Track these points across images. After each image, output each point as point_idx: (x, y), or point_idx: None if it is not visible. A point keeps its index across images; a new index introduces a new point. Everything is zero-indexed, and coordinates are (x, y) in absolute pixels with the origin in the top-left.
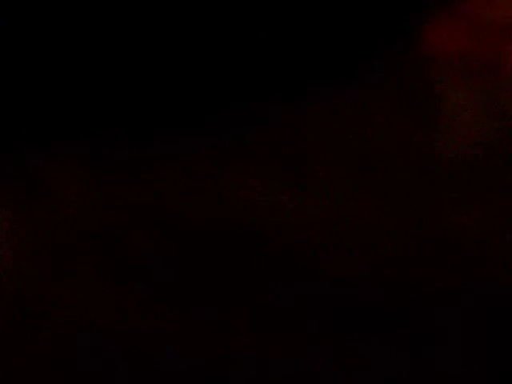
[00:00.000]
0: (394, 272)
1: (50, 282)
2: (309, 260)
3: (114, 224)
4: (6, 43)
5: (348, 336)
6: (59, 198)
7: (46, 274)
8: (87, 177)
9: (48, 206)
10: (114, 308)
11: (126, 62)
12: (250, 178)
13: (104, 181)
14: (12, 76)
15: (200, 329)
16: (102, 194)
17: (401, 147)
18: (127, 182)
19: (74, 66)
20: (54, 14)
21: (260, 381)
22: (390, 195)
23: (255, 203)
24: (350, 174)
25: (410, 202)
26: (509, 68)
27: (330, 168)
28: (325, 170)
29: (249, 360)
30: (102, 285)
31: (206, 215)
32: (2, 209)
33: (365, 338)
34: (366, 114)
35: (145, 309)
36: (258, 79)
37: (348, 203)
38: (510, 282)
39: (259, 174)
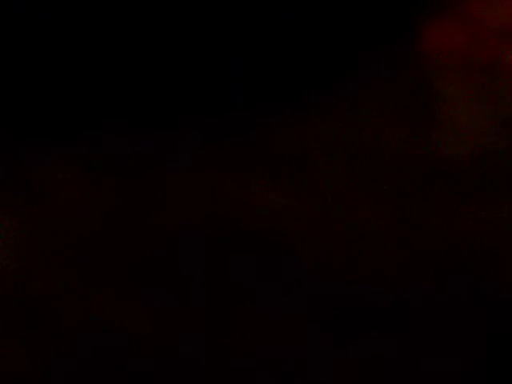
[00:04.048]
0: (395, 272)
1: (47, 282)
2: (310, 260)
3: (114, 226)
4: (5, 43)
5: (348, 336)
6: (58, 199)
7: (44, 274)
8: (87, 177)
9: (47, 207)
10: (113, 309)
11: (127, 65)
12: (252, 181)
13: (104, 182)
14: (11, 76)
15: (200, 328)
16: (101, 195)
17: (401, 147)
18: (128, 184)
19: (74, 66)
20: (53, 12)
21: (259, 379)
22: (390, 195)
23: (258, 206)
24: (351, 175)
25: (410, 202)
26: (508, 67)
27: (332, 169)
28: (327, 171)
29: (249, 359)
30: (101, 287)
31: (208, 218)
32: (0, 209)
33: (365, 337)
34: (365, 114)
35: (145, 311)
36: (258, 81)
37: (349, 204)
38: (511, 282)
39: (262, 177)
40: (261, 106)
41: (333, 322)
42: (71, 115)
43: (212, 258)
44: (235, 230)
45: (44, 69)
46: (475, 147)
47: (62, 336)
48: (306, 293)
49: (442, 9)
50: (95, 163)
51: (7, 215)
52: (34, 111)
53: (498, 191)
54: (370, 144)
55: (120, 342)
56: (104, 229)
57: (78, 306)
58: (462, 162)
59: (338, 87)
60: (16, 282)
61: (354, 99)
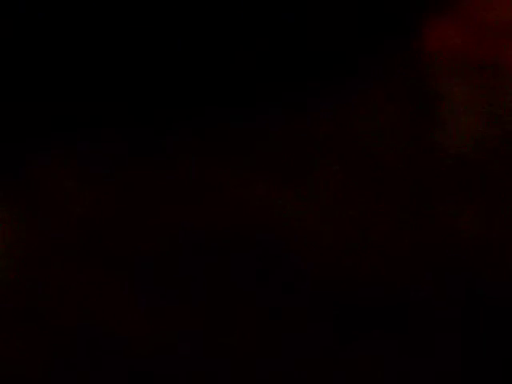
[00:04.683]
0: (395, 272)
1: (47, 280)
2: (310, 260)
3: (114, 225)
4: (5, 43)
5: (348, 336)
6: (58, 198)
7: (43, 272)
8: (87, 177)
9: (47, 206)
10: (112, 307)
11: (127, 65)
12: (252, 181)
13: (104, 182)
14: (11, 76)
15: (200, 328)
16: (101, 194)
17: (401, 147)
18: (128, 184)
19: (73, 66)
20: (53, 12)
21: (259, 379)
22: (391, 196)
23: (257, 206)
24: (351, 175)
25: (410, 203)
26: (508, 67)
27: (332, 169)
28: (327, 171)
29: (248, 359)
30: (101, 285)
31: (208, 217)
32: (1, 207)
33: (365, 337)
34: (366, 114)
35: (145, 309)
36: (258, 81)
37: (350, 204)
38: (510, 283)
39: (262, 177)
40: (260, 106)
41: (333, 322)
42: (71, 115)
43: (212, 257)
44: (235, 230)
45: (44, 69)
46: (475, 147)
47: (60, 333)
48: (306, 293)
49: (442, 9)
50: (95, 163)
51: (7, 214)
52: (34, 111)
53: (498, 192)
54: (370, 144)
55: (119, 340)
56: (104, 228)
57: (77, 303)
58: (463, 162)
59: (337, 88)
60: (16, 279)
61: (353, 99)
